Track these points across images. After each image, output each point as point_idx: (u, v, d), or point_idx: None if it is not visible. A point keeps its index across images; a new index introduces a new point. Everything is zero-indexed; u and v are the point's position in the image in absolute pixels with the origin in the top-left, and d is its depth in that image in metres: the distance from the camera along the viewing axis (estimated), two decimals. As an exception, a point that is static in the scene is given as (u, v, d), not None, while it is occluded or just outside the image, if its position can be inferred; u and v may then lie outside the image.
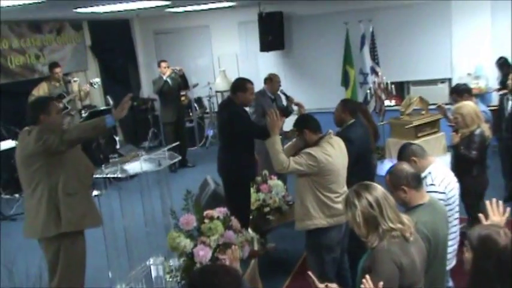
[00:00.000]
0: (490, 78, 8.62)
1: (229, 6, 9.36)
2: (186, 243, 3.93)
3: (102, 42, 10.14)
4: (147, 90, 11.28)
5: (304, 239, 5.64)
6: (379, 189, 2.53)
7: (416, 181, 2.87)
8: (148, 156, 4.19)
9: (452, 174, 3.54)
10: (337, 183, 3.85)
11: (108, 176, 4.02)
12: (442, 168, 3.50)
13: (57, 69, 7.95)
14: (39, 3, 5.04)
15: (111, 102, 9.68)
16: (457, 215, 3.46)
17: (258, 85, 10.12)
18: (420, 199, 2.87)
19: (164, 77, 8.08)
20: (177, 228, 4.10)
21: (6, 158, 7.43)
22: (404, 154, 3.56)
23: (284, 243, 5.66)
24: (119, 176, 3.99)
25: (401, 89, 9.47)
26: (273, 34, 9.49)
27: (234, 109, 4.70)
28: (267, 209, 5.60)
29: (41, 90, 7.81)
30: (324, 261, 3.91)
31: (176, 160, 4.37)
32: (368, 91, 8.63)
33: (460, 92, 5.45)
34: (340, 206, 3.85)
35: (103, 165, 4.15)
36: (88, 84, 8.15)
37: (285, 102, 6.59)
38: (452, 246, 3.31)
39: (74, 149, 3.86)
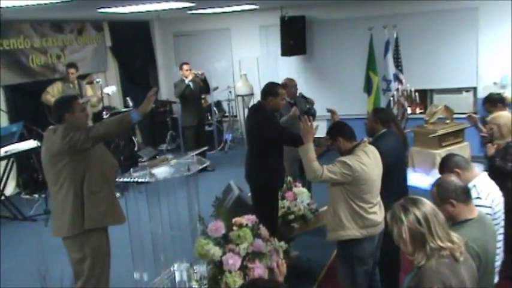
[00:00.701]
0: (517, 88, 8.46)
1: (252, 9, 9.28)
2: (215, 250, 3.83)
3: (122, 44, 10.11)
4: (165, 92, 11.23)
5: (328, 248, 5.61)
6: (427, 205, 2.41)
7: (466, 195, 2.75)
8: (178, 160, 4.10)
9: (497, 187, 3.40)
10: (372, 193, 3.74)
11: (137, 180, 3.92)
12: (487, 181, 3.37)
13: (72, 70, 7.93)
14: (64, 2, 4.98)
15: (130, 103, 9.66)
16: (501, 230, 3.33)
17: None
18: (469, 214, 2.75)
19: (186, 81, 8.00)
20: (204, 235, 4.01)
21: (26, 158, 7.41)
22: (447, 166, 3.44)
23: (307, 251, 5.54)
24: (148, 180, 3.90)
25: (424, 97, 9.33)
26: (294, 38, 9.41)
27: (264, 114, 4.60)
28: (291, 217, 5.51)
29: (56, 88, 7.82)
30: (356, 273, 3.78)
31: (205, 165, 4.26)
32: (391, 98, 8.50)
33: (493, 101, 5.32)
34: (374, 217, 3.76)
35: (131, 169, 4.06)
36: (103, 91, 8.10)
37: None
38: (496, 262, 3.17)
39: (98, 146, 3.86)
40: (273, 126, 4.61)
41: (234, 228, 4.06)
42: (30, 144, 6.72)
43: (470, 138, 8.59)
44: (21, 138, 6.89)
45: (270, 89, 4.71)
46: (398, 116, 8.54)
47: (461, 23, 8.80)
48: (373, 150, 3.81)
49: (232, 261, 3.79)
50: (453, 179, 2.79)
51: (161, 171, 4.01)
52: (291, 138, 4.38)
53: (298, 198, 5.60)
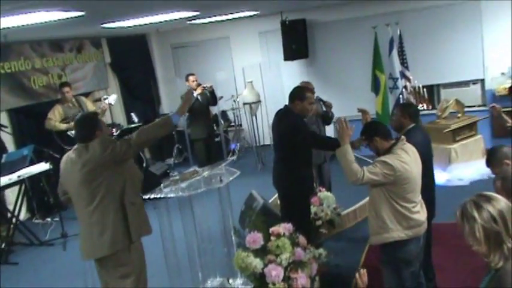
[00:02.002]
0: (525, 78, 8.40)
1: (251, 16, 9.19)
2: (256, 263, 3.69)
3: (121, 59, 9.99)
4: (167, 106, 11.10)
5: (355, 252, 5.48)
6: (502, 201, 2.25)
7: (534, 188, 2.63)
8: (209, 173, 3.96)
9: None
10: (414, 193, 3.62)
11: (170, 196, 3.79)
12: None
13: (66, 89, 7.69)
14: (71, 18, 4.85)
15: (135, 119, 9.53)
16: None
17: (283, 96, 10.03)
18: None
19: (195, 94, 7.88)
20: (241, 247, 3.88)
21: (37, 181, 7.23)
22: (495, 157, 3.34)
23: (334, 257, 5.40)
24: (182, 195, 3.76)
25: (431, 92, 9.24)
26: (296, 42, 9.33)
27: (293, 119, 4.46)
28: (319, 222, 5.40)
29: (57, 112, 7.61)
30: (402, 276, 3.66)
31: (236, 176, 4.13)
32: (400, 96, 8.41)
33: (518, 90, 5.19)
34: (418, 217, 3.65)
35: (162, 184, 3.93)
36: (103, 102, 7.92)
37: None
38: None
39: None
40: (304, 130, 4.48)
41: (272, 238, 3.93)
42: (42, 167, 6.55)
43: (483, 131, 8.56)
44: (31, 162, 6.72)
45: (297, 93, 4.59)
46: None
47: (464, 16, 8.74)
48: (411, 147, 3.69)
49: (276, 272, 3.67)
50: None
51: (193, 185, 3.86)
52: (324, 141, 4.26)
53: (324, 203, 5.49)
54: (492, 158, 3.41)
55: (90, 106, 7.98)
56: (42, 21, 4.80)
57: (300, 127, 4.43)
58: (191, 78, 7.99)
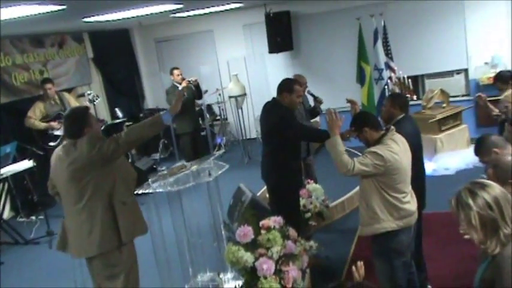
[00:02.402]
0: (508, 67, 8.43)
1: (234, 9, 9.12)
2: (247, 257, 3.66)
3: (104, 54, 9.85)
4: (151, 100, 11.00)
5: (344, 244, 5.48)
6: (496, 188, 2.25)
7: (526, 175, 2.64)
8: (197, 167, 3.91)
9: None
10: (404, 183, 3.61)
11: (158, 190, 3.73)
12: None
13: (48, 85, 7.57)
14: (55, 12, 4.74)
15: (120, 114, 9.42)
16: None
17: (269, 88, 9.99)
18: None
19: (180, 88, 7.80)
20: (232, 241, 3.84)
21: (21, 180, 7.11)
22: (484, 146, 3.35)
23: (325, 249, 5.39)
24: (170, 190, 3.70)
25: (416, 82, 9.26)
26: (281, 35, 9.28)
27: (281, 111, 4.41)
28: (308, 215, 5.38)
29: (37, 110, 7.49)
30: (394, 266, 3.65)
31: (224, 169, 4.08)
32: (386, 87, 8.41)
33: (505, 79, 5.23)
34: (408, 207, 3.64)
35: (150, 180, 3.87)
36: (87, 101, 7.78)
37: (312, 103, 6.36)
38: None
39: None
40: (293, 123, 4.43)
41: (262, 231, 3.90)
42: (26, 164, 6.44)
43: (468, 120, 8.62)
44: (14, 160, 6.60)
45: (285, 85, 4.53)
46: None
47: (447, 6, 8.74)
48: (400, 138, 3.68)
49: (267, 265, 3.63)
50: (510, 159, 2.67)
51: (181, 179, 3.81)
52: (313, 134, 4.22)
53: (312, 195, 5.47)
54: (481, 147, 3.42)
55: (73, 102, 7.85)
56: (23, 16, 4.69)
57: (288, 119, 4.38)
58: (176, 72, 7.91)
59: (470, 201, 2.22)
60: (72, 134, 3.56)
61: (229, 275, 4.33)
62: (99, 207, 3.52)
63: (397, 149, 3.55)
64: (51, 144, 7.51)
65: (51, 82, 7.66)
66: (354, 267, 2.58)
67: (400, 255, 3.65)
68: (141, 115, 9.99)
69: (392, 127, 3.70)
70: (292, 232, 4.03)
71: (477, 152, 3.52)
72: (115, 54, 10.09)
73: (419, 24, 8.95)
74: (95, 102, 7.72)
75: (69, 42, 9.10)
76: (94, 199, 3.52)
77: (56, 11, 4.69)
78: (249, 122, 9.70)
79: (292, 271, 3.75)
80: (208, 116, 9.50)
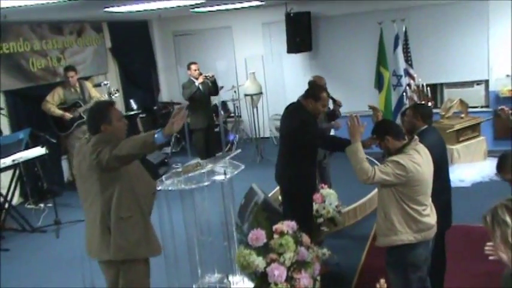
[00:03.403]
0: (530, 80, 8.30)
1: (256, 6, 9.03)
2: (259, 261, 3.57)
3: (122, 45, 9.80)
4: (166, 94, 10.95)
5: (355, 251, 5.38)
6: None
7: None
8: (213, 166, 3.83)
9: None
10: (425, 195, 3.51)
11: (171, 188, 3.64)
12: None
13: (71, 73, 7.61)
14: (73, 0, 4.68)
15: (134, 106, 9.37)
16: None
17: (285, 88, 9.90)
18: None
19: (196, 83, 7.74)
20: (243, 244, 3.76)
21: (32, 166, 7.08)
22: (507, 163, 3.22)
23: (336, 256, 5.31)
24: (184, 188, 3.62)
25: (434, 91, 9.12)
26: (300, 35, 9.18)
27: (304, 116, 4.31)
28: (320, 220, 5.28)
29: (56, 96, 7.53)
30: (410, 281, 3.55)
31: (240, 169, 4.00)
32: (404, 94, 8.29)
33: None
34: (428, 220, 3.54)
35: (163, 177, 3.78)
36: (106, 94, 7.77)
37: (331, 106, 6.25)
38: None
39: (134, 166, 3.41)
40: (314, 130, 4.34)
41: (275, 236, 3.81)
42: (38, 151, 6.40)
43: (486, 132, 8.48)
44: (26, 146, 6.56)
45: (312, 92, 4.43)
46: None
47: (471, 15, 8.62)
48: (423, 148, 3.57)
49: (279, 272, 3.55)
50: None
51: (196, 178, 3.73)
52: (333, 142, 4.12)
53: (326, 200, 5.37)
54: (504, 164, 3.32)
55: (93, 92, 7.88)
56: (44, 3, 4.62)
57: (309, 125, 4.29)
58: (193, 67, 7.83)
59: (508, 219, 2.13)
60: (90, 129, 3.39)
61: (238, 277, 4.25)
62: (98, 215, 3.33)
63: (419, 159, 3.45)
64: (64, 132, 7.50)
65: (74, 70, 7.68)
66: (378, 285, 2.48)
67: (416, 270, 3.55)
68: (155, 108, 9.95)
69: (416, 137, 3.60)
70: (305, 238, 3.94)
71: (500, 169, 3.40)
72: (133, 46, 10.04)
73: (441, 33, 8.81)
74: (113, 96, 7.67)
75: (88, 31, 9.06)
76: (95, 205, 3.34)
77: (70, 0, 4.61)
78: (263, 121, 9.62)
79: (304, 279, 3.67)
80: (222, 112, 9.42)
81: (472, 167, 7.70)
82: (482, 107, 8.92)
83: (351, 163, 3.52)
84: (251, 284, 3.84)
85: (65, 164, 8.40)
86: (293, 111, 4.47)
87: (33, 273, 5.39)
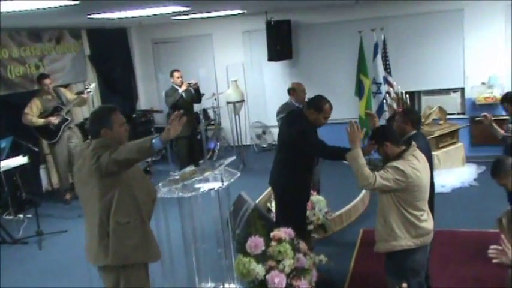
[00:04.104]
0: (505, 88, 8.50)
1: (234, 14, 9.04)
2: (259, 269, 3.56)
3: (101, 52, 9.68)
4: (145, 102, 10.85)
5: (344, 257, 5.40)
6: None
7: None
8: (210, 173, 3.80)
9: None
10: (423, 200, 3.57)
11: (167, 196, 3.60)
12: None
13: (46, 81, 7.47)
14: (70, 6, 4.60)
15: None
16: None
17: (265, 96, 9.93)
18: None
19: (180, 91, 7.69)
20: (242, 252, 3.74)
21: (11, 175, 6.90)
22: (502, 169, 3.30)
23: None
24: (182, 196, 3.59)
25: (412, 98, 9.28)
26: (280, 43, 9.23)
27: (304, 125, 4.31)
28: (310, 227, 5.30)
29: (34, 107, 7.36)
30: (409, 285, 3.58)
31: (236, 177, 3.99)
32: (384, 101, 8.41)
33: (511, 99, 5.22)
34: (426, 225, 3.59)
35: (160, 184, 3.74)
36: (84, 90, 7.70)
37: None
38: None
39: (134, 171, 3.39)
40: (313, 140, 4.32)
41: (273, 243, 3.80)
42: (20, 160, 6.25)
43: (464, 139, 8.68)
44: (7, 155, 6.40)
45: (315, 102, 4.42)
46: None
47: (447, 25, 8.83)
48: (421, 155, 3.64)
49: (279, 279, 3.54)
50: None
51: (193, 185, 3.70)
52: (332, 152, 4.13)
53: (315, 206, 5.40)
54: (498, 169, 3.39)
55: (69, 95, 7.75)
56: (36, 8, 4.54)
57: (309, 135, 4.29)
58: (176, 74, 7.79)
59: None
60: (91, 133, 3.37)
61: (233, 285, 4.22)
62: (96, 221, 3.31)
63: (418, 165, 3.51)
64: (52, 140, 7.36)
65: (48, 77, 7.54)
66: None
67: (416, 275, 3.60)
68: (134, 116, 9.84)
69: (413, 143, 3.65)
70: (302, 245, 3.95)
71: (494, 174, 3.48)
72: (111, 53, 9.93)
73: (419, 42, 8.99)
74: (87, 91, 7.60)
75: (67, 38, 8.92)
76: (95, 209, 3.31)
77: (67, 6, 4.54)
78: (246, 128, 9.63)
79: (303, 286, 3.66)
80: (203, 120, 9.39)
81: (451, 173, 7.85)
82: (458, 114, 9.13)
83: (352, 169, 3.55)
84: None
85: (43, 174, 8.23)
86: (294, 119, 4.48)
87: (20, 286, 5.24)
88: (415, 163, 3.49)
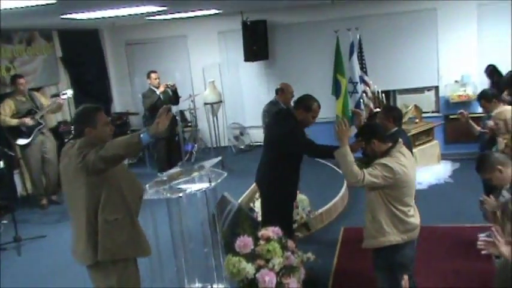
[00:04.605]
0: (478, 86, 8.68)
1: (210, 15, 9.00)
2: (249, 268, 3.54)
3: (73, 54, 9.49)
4: (119, 104, 10.70)
5: (326, 255, 5.41)
6: None
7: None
8: (197, 174, 3.77)
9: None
10: (410, 196, 3.61)
11: (155, 197, 3.56)
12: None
13: (21, 80, 7.32)
14: (47, 5, 4.49)
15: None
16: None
17: (242, 97, 9.90)
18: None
19: (157, 92, 7.61)
20: (231, 252, 3.71)
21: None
22: (487, 163, 3.36)
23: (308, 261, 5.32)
24: (170, 196, 3.54)
25: (387, 97, 9.38)
26: (257, 43, 9.23)
27: (292, 125, 4.31)
28: (294, 226, 5.30)
29: (7, 107, 7.18)
30: (398, 280, 3.60)
31: (223, 177, 3.96)
32: (361, 100, 8.48)
33: (488, 97, 5.32)
34: (413, 220, 3.63)
35: (147, 186, 3.69)
36: (61, 95, 7.53)
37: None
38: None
39: (120, 169, 3.39)
40: (302, 139, 4.32)
41: (261, 242, 3.79)
42: (-8, 165, 6.09)
43: (438, 136, 8.83)
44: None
45: (304, 102, 4.42)
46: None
47: (421, 24, 8.96)
48: (407, 151, 3.68)
49: (269, 277, 3.53)
50: None
51: (182, 186, 3.65)
52: (320, 150, 4.13)
53: (299, 205, 5.41)
54: (484, 164, 3.45)
55: (44, 101, 7.57)
56: (13, 7, 4.42)
57: (297, 135, 4.29)
58: (153, 75, 7.71)
59: None
60: (75, 132, 3.40)
61: (221, 285, 4.19)
62: (84, 217, 3.28)
63: (405, 162, 3.54)
64: (23, 141, 7.19)
65: (23, 77, 7.40)
66: (403, 282, 2.51)
67: (404, 270, 3.61)
68: (110, 118, 9.67)
69: (400, 139, 3.69)
70: (290, 243, 3.94)
71: (479, 169, 3.54)
72: (84, 55, 9.74)
73: (393, 41, 9.11)
74: (61, 96, 7.45)
75: (38, 39, 8.72)
76: (81, 208, 3.29)
77: (44, 5, 4.44)
78: (224, 129, 9.59)
79: (292, 283, 3.66)
80: (180, 122, 9.30)
81: (427, 170, 7.98)
82: (433, 112, 9.28)
83: (340, 167, 3.56)
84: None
85: (17, 179, 8.03)
86: (282, 118, 4.47)
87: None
88: (402, 160, 3.52)
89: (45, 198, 7.50)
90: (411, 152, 4.28)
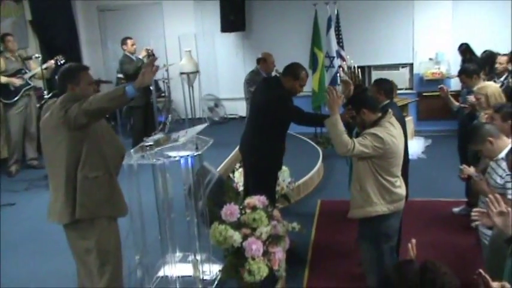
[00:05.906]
0: (451, 64, 8.79)
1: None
2: (236, 236, 3.50)
3: (43, 18, 9.14)
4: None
5: (304, 227, 5.44)
6: None
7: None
8: (184, 139, 3.68)
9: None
10: (398, 167, 3.62)
11: (140, 162, 3.48)
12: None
13: (9, 37, 7.15)
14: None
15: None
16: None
17: (217, 68, 9.77)
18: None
19: (140, 57, 7.43)
20: (218, 220, 3.67)
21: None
22: (479, 135, 3.39)
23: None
24: (155, 162, 3.46)
25: (362, 73, 9.42)
26: (234, 14, 9.09)
27: (280, 92, 4.24)
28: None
29: None
30: (382, 250, 3.66)
31: (209, 144, 3.89)
32: (337, 75, 8.47)
33: (469, 73, 5.36)
34: (400, 191, 3.65)
35: (132, 150, 3.59)
36: (54, 60, 7.34)
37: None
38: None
39: (103, 126, 3.35)
40: (290, 106, 4.28)
41: (247, 210, 3.75)
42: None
43: (413, 113, 8.94)
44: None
45: (292, 70, 4.36)
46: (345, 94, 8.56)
47: (398, 2, 8.98)
48: (396, 122, 3.67)
49: (256, 246, 3.50)
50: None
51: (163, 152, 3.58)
52: (310, 117, 4.10)
53: (280, 177, 5.38)
54: (475, 136, 3.47)
55: (33, 65, 7.40)
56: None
57: (286, 101, 4.24)
58: (130, 42, 7.50)
59: None
60: (58, 89, 3.29)
61: (203, 256, 4.16)
62: (63, 176, 3.22)
63: (395, 132, 3.54)
64: (10, 100, 7.02)
65: (11, 35, 7.21)
66: (409, 245, 2.52)
67: (389, 240, 3.66)
68: (111, 90, 9.40)
69: (389, 110, 3.68)
70: (276, 212, 3.92)
71: (471, 140, 3.56)
72: (54, 20, 9.39)
73: (370, 17, 9.13)
74: (59, 62, 7.24)
75: (7, 1, 8.35)
76: (60, 166, 3.22)
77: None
78: (198, 101, 9.44)
79: (279, 253, 3.65)
80: (154, 91, 9.11)
81: (402, 146, 8.06)
82: (406, 89, 9.37)
83: (330, 135, 3.54)
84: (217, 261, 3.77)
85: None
86: (269, 85, 4.41)
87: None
88: (391, 130, 3.52)
89: (15, 165, 7.27)
90: (404, 123, 4.30)
